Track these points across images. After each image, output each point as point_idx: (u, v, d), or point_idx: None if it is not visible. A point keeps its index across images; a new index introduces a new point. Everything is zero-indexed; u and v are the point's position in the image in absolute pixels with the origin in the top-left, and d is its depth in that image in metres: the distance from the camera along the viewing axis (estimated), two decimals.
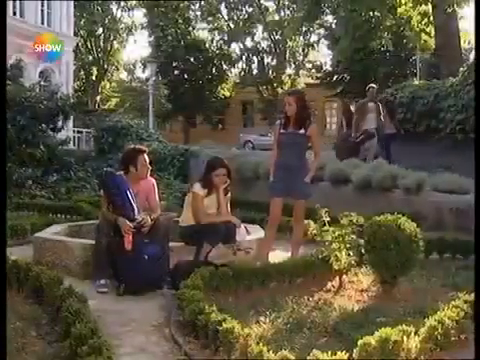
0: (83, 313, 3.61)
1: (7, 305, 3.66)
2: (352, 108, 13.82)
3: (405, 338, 3.24)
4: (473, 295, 4.19)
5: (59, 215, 9.57)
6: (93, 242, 5.55)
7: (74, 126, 23.35)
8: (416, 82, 17.36)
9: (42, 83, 18.72)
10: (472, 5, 21.33)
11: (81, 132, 24.28)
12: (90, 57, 37.56)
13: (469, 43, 28.79)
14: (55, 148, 14.37)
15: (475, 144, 4.74)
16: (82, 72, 38.35)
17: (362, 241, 5.06)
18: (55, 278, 4.43)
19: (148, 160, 5.91)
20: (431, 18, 20.79)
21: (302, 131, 6.04)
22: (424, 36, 22.30)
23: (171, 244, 5.63)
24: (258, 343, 3.25)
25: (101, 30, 38.24)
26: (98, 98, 39.61)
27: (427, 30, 22.06)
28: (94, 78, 38.96)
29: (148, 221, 5.43)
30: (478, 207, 4.09)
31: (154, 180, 6.09)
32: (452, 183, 8.89)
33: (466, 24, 27.68)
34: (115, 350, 3.36)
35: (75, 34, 29.35)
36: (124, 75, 42.84)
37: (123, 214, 5.34)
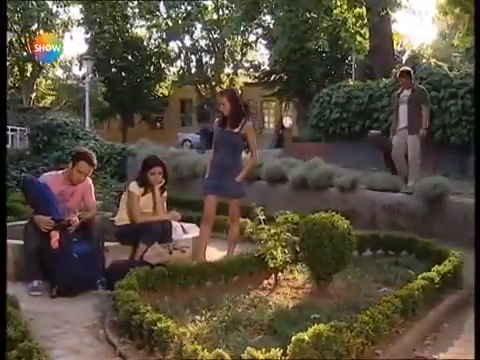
0: (14, 316, 3.52)
1: None
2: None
3: (338, 333, 3.30)
4: (403, 290, 4.33)
5: None
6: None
7: (8, 124, 22.68)
8: (351, 82, 17.71)
9: None
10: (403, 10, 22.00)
11: (15, 130, 23.61)
12: (25, 53, 36.51)
13: (401, 45, 29.58)
14: None
15: (475, 145, 4.88)
16: (16, 68, 37.29)
17: (297, 239, 5.12)
18: None
19: (90, 170, 5.77)
20: (365, 20, 21.30)
21: (237, 130, 6.05)
22: (359, 38, 22.82)
23: (107, 244, 5.57)
24: (193, 342, 3.25)
25: (36, 25, 37.24)
26: (33, 95, 38.55)
27: (362, 32, 22.60)
28: (29, 75, 37.92)
29: (75, 220, 5.35)
30: (478, 207, 4.21)
31: (90, 180, 6.00)
32: (385, 181, 9.12)
33: (398, 27, 28.45)
34: (47, 353, 3.29)
35: (9, 29, 28.50)
36: (60, 72, 41.93)
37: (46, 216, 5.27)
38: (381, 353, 3.55)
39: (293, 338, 3.19)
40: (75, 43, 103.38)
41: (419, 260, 6.09)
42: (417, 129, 8.77)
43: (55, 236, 5.13)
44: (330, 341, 3.21)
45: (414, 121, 8.80)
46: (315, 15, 22.28)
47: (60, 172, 5.81)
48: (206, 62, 40.60)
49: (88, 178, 5.94)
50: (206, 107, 37.67)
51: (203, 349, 3.11)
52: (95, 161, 5.81)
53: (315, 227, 4.82)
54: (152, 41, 40.88)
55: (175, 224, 5.88)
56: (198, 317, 4.10)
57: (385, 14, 19.13)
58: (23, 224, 5.69)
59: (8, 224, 7.09)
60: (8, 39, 26.77)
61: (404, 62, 16.04)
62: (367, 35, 21.62)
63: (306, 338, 3.17)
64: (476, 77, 6.15)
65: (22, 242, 5.53)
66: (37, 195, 5.40)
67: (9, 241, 5.76)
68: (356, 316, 3.71)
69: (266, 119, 41.86)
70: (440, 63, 14.09)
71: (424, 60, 14.53)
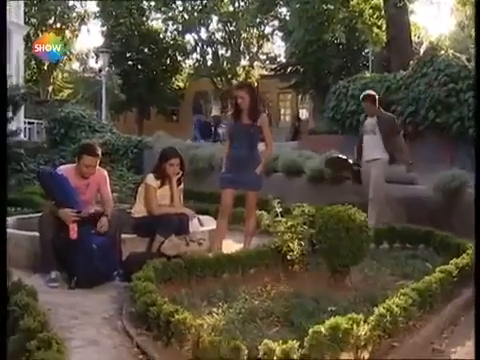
0: (32, 307, 3.54)
1: None
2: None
3: (355, 326, 3.29)
4: (420, 283, 4.30)
5: (9, 208, 9.35)
6: None
7: (25, 117, 22.82)
8: (368, 75, 17.57)
9: None
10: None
11: (32, 123, 23.75)
12: None
13: (419, 37, 29.27)
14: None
15: (475, 143, 4.84)
16: (33, 62, 37.53)
17: (314, 231, 5.11)
18: None
19: (96, 161, 5.72)
20: (382, 12, 21.13)
21: (252, 122, 6.08)
22: (376, 29, 22.66)
23: (123, 236, 5.59)
24: (210, 334, 3.26)
25: (53, 19, 37.41)
26: (50, 88, 38.79)
27: (378, 23, 22.44)
28: (46, 68, 38.14)
29: (105, 224, 5.38)
30: (478, 206, 4.20)
31: (106, 172, 6.00)
32: (401, 174, 9.04)
33: (416, 18, 28.16)
34: (66, 343, 3.31)
35: (26, 23, 28.64)
36: (77, 65, 42.12)
37: (67, 208, 5.29)
38: (398, 346, 3.54)
39: (310, 330, 3.19)
40: (91, 36, 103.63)
41: (437, 253, 6.06)
42: (395, 160, 8.10)
43: (74, 228, 5.16)
44: (347, 334, 3.21)
45: (392, 151, 8.01)
46: (331, 7, 22.18)
47: (73, 165, 5.80)
48: (222, 55, 40.48)
49: (103, 170, 5.95)
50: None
51: (220, 341, 3.12)
52: (98, 151, 5.74)
53: (332, 219, 4.81)
54: (168, 34, 40.82)
55: (192, 216, 5.89)
56: (215, 309, 4.11)
57: (402, 5, 18.94)
58: (41, 216, 5.71)
59: (26, 216, 7.21)
60: (24, 33, 26.86)
61: (422, 53, 15.84)
62: (384, 27, 21.45)
63: (323, 330, 3.17)
64: (477, 76, 6.10)
65: (38, 234, 5.57)
66: (56, 187, 5.40)
67: (27, 233, 5.85)
68: (373, 309, 3.70)
69: (282, 111, 41.73)
70: (458, 54, 13.93)
71: (442, 51, 14.34)
